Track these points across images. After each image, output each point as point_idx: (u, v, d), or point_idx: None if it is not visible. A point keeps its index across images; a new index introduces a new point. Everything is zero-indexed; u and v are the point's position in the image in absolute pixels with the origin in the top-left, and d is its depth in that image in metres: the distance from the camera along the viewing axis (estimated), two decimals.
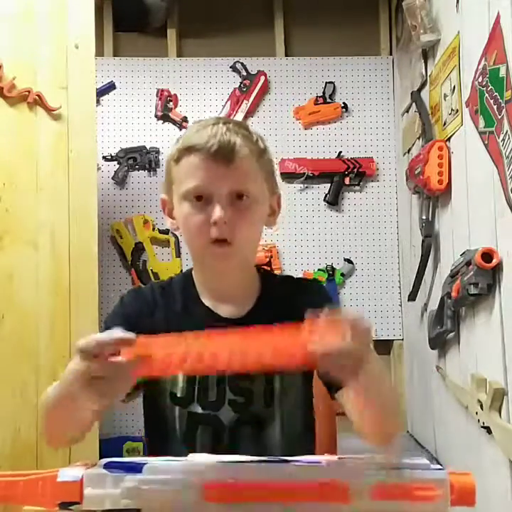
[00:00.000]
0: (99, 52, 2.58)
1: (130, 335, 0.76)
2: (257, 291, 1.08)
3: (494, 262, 1.53)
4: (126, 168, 2.77)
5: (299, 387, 1.07)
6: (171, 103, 2.80)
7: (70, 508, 0.65)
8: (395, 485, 0.62)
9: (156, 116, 2.81)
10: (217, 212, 0.97)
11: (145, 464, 0.63)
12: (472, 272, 1.59)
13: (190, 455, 0.66)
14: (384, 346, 2.77)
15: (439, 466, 0.65)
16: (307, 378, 1.07)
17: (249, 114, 2.80)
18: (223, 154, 0.98)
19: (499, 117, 1.51)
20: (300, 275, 2.73)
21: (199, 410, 1.05)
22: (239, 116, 2.78)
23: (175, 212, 1.05)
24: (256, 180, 1.03)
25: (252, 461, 0.64)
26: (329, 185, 2.76)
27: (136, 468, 0.63)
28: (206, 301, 1.07)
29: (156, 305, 1.07)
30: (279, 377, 1.04)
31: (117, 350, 0.74)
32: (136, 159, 2.77)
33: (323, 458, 0.65)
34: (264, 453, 1.02)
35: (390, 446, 0.87)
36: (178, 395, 1.05)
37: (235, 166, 0.99)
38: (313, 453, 1.06)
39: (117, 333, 0.76)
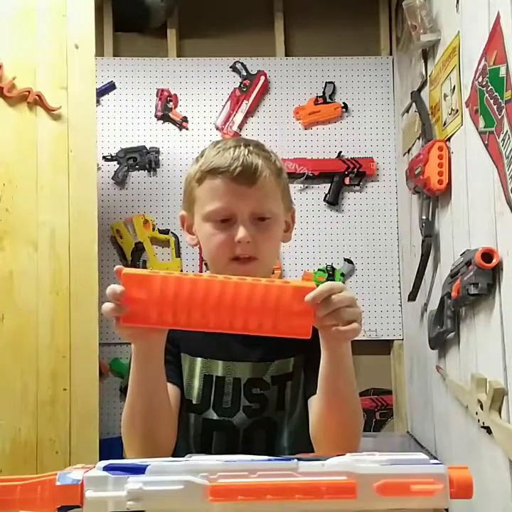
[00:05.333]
0: (99, 52, 2.58)
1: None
2: None
3: (494, 262, 1.53)
4: (126, 168, 2.77)
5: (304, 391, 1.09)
6: (171, 103, 2.80)
7: None
8: (395, 480, 0.62)
9: (156, 116, 2.81)
10: (242, 232, 1.01)
11: (148, 465, 0.63)
12: (472, 272, 1.59)
13: (192, 455, 0.66)
14: (384, 346, 2.77)
15: (437, 461, 0.65)
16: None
17: (249, 114, 2.80)
18: (246, 176, 1.02)
19: (499, 117, 1.51)
20: (300, 275, 2.74)
21: (214, 416, 1.07)
22: (239, 117, 2.78)
23: (196, 230, 1.08)
24: (275, 199, 1.07)
25: (256, 460, 0.64)
26: (329, 185, 2.76)
27: (139, 470, 0.63)
28: None
29: None
30: (290, 383, 1.08)
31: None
32: (136, 159, 2.77)
33: (328, 455, 0.65)
34: (275, 453, 1.04)
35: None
36: (194, 402, 1.07)
37: (256, 187, 1.03)
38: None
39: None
